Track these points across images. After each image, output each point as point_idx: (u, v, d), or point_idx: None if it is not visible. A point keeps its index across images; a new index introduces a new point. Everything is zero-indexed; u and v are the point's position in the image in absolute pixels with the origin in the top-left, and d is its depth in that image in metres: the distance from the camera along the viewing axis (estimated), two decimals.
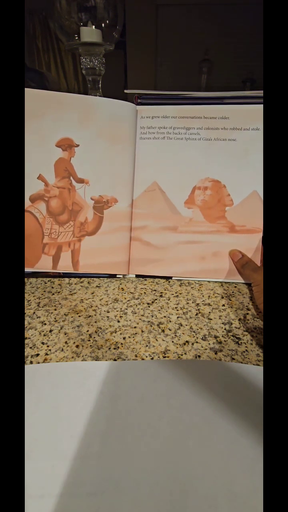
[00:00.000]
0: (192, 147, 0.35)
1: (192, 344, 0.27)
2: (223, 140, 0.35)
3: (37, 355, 0.26)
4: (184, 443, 0.19)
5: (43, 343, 0.27)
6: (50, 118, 0.34)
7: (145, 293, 0.34)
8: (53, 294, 0.34)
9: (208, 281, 0.37)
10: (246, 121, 0.34)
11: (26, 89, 0.33)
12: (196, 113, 0.35)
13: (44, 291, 0.35)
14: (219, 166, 0.35)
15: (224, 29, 2.11)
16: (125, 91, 0.40)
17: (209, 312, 0.31)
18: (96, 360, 0.25)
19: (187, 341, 0.27)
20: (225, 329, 0.29)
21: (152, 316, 0.31)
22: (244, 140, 0.35)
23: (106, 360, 0.25)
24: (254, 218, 0.35)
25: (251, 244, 0.35)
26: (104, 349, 0.26)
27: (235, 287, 0.36)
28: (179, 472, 0.17)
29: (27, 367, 0.24)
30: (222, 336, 0.28)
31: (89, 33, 0.47)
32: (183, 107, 0.35)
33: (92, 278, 0.37)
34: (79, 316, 0.31)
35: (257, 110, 0.34)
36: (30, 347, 0.26)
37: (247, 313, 0.31)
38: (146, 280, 0.37)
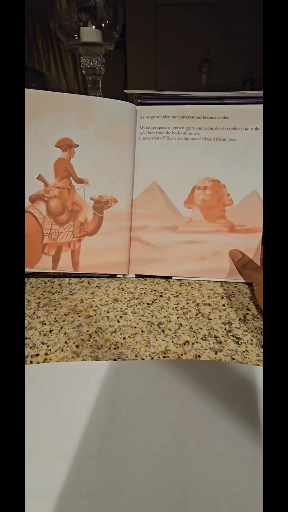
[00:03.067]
0: (192, 147, 0.35)
1: (192, 344, 0.27)
2: (222, 140, 0.35)
3: (37, 355, 0.26)
4: (184, 443, 0.19)
5: (43, 343, 0.27)
6: (50, 118, 0.34)
7: (145, 293, 0.34)
8: (53, 294, 0.34)
9: (208, 281, 0.37)
10: (245, 121, 0.35)
11: (25, 89, 0.33)
12: (195, 113, 0.35)
13: (44, 291, 0.35)
14: (219, 166, 0.35)
15: (224, 29, 2.11)
16: (125, 91, 0.40)
17: (209, 312, 0.31)
18: (96, 360, 0.25)
19: (187, 341, 0.27)
20: (225, 329, 0.29)
21: (152, 316, 0.31)
22: (244, 139, 0.35)
23: (106, 360, 0.25)
24: (253, 217, 0.35)
25: (251, 244, 0.35)
26: (104, 349, 0.26)
27: (235, 287, 0.36)
28: (179, 472, 0.17)
29: (27, 367, 0.24)
30: (222, 336, 0.28)
31: (89, 33, 0.47)
32: (183, 107, 0.35)
33: (92, 278, 0.37)
34: (79, 316, 0.31)
35: (257, 110, 0.34)
36: (30, 347, 0.26)
37: (247, 313, 0.31)
38: (146, 280, 0.37)
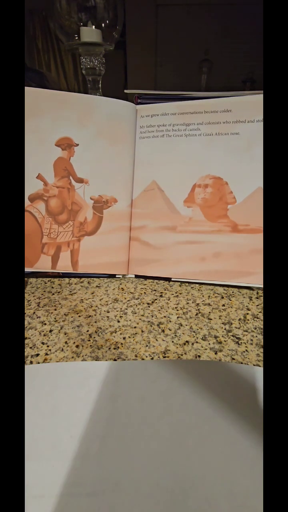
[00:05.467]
0: (192, 144, 0.35)
1: (192, 344, 0.27)
2: (225, 135, 0.34)
3: (37, 355, 0.26)
4: (184, 443, 0.19)
5: (43, 343, 0.27)
6: (50, 117, 0.34)
7: (145, 293, 0.34)
8: (53, 294, 0.34)
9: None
10: (250, 113, 0.33)
11: (26, 87, 0.33)
12: (196, 108, 0.34)
13: (44, 291, 0.35)
14: (221, 162, 0.34)
15: (224, 29, 2.12)
16: (125, 91, 0.40)
17: (209, 312, 0.31)
18: (96, 360, 0.25)
19: (187, 341, 0.27)
20: (225, 329, 0.29)
21: (152, 316, 0.30)
22: (248, 133, 0.33)
23: (106, 360, 0.25)
24: (258, 216, 0.33)
25: (256, 245, 0.34)
26: (104, 349, 0.26)
27: (235, 287, 0.36)
28: (179, 472, 0.17)
29: (27, 367, 0.24)
30: (222, 336, 0.28)
31: (89, 33, 0.47)
32: (183, 102, 0.34)
33: (92, 278, 0.37)
34: (79, 316, 0.31)
35: (262, 100, 0.33)
36: (30, 347, 0.26)
37: (247, 313, 0.31)
38: (146, 280, 0.37)
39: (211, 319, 0.30)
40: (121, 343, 0.27)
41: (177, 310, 0.32)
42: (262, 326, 0.29)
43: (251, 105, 0.33)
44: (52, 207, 0.35)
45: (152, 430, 0.20)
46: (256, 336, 0.28)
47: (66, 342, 0.27)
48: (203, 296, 0.34)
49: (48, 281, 0.37)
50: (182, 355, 0.26)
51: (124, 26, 1.93)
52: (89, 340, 0.27)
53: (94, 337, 0.28)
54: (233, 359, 0.25)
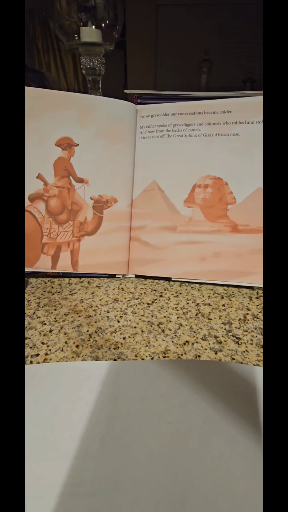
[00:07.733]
0: (192, 144, 0.35)
1: (192, 344, 0.27)
2: (225, 135, 0.34)
3: (37, 355, 0.26)
4: (184, 443, 0.19)
5: (43, 343, 0.27)
6: (50, 117, 0.34)
7: (145, 293, 0.34)
8: (53, 294, 0.34)
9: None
10: (250, 114, 0.33)
11: (26, 87, 0.33)
12: (196, 109, 0.34)
13: (44, 291, 0.35)
14: (221, 162, 0.34)
15: (224, 29, 2.12)
16: (125, 91, 0.40)
17: (209, 312, 0.31)
18: (96, 360, 0.25)
19: (187, 341, 0.27)
20: (225, 329, 0.29)
21: (152, 316, 0.30)
22: (248, 134, 0.33)
23: (106, 360, 0.25)
24: (258, 216, 0.34)
25: (255, 245, 0.34)
26: (104, 349, 0.26)
27: (235, 287, 0.36)
28: (179, 472, 0.17)
29: (27, 367, 0.24)
30: (222, 336, 0.28)
31: (89, 33, 0.47)
32: (183, 103, 0.35)
33: (92, 278, 0.37)
34: (79, 316, 0.31)
35: (261, 102, 0.33)
36: (30, 347, 0.26)
37: (247, 313, 0.31)
38: (146, 280, 0.37)
39: (211, 319, 0.30)
40: (121, 343, 0.27)
41: (177, 310, 0.32)
42: (262, 326, 0.29)
43: (250, 107, 0.33)
44: (52, 207, 0.35)
45: (152, 430, 0.20)
46: (256, 336, 0.28)
47: (66, 342, 0.27)
48: (203, 296, 0.34)
49: (48, 281, 0.37)
50: (182, 355, 0.26)
51: (124, 26, 1.93)
52: (89, 340, 0.27)
53: (94, 337, 0.28)
54: (233, 359, 0.25)
